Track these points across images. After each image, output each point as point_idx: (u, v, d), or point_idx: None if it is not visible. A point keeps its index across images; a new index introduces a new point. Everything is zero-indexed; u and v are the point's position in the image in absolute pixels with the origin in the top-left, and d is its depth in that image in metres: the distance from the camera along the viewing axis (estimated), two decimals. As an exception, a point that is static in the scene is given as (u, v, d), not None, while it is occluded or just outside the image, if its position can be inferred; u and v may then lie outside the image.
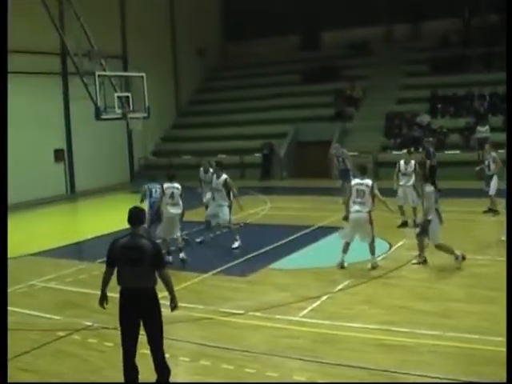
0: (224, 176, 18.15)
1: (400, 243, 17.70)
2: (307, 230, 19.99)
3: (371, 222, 15.32)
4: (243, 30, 45.74)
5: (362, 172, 15.81)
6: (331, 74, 40.11)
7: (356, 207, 15.24)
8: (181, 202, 16.76)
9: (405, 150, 22.24)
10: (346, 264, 15.25)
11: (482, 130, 31.94)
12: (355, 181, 15.60)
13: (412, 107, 35.30)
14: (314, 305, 12.64)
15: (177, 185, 16.90)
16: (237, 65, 45.88)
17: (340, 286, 13.79)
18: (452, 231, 18.17)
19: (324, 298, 13.07)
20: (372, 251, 15.30)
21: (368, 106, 37.19)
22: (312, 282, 14.28)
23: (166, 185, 16.89)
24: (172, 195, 16.69)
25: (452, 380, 9.06)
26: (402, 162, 20.59)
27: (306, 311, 12.25)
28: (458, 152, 31.56)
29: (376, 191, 15.45)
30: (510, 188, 9.68)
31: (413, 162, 20.40)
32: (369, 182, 15.44)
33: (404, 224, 20.05)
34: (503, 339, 10.04)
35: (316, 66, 41.25)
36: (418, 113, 34.72)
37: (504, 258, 15.06)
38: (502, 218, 18.12)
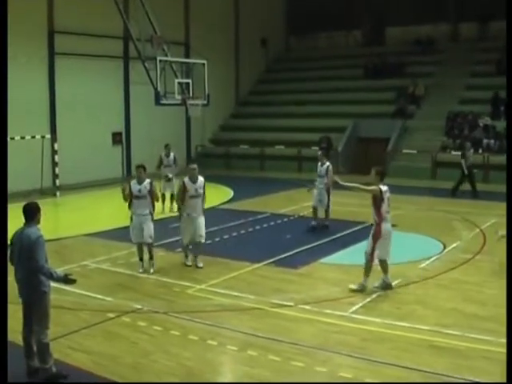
0: None
1: (454, 245, 17.40)
2: (361, 226, 19.75)
3: None
4: (307, 23, 45.56)
5: (383, 175, 13.40)
6: (394, 71, 39.69)
7: (388, 218, 13.32)
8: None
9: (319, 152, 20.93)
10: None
11: (546, 135, 31.32)
12: (385, 187, 13.17)
13: (475, 108, 34.69)
14: (365, 301, 12.50)
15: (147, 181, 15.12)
16: (299, 57, 45.67)
17: (394, 283, 13.59)
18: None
19: (374, 295, 12.90)
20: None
21: (430, 105, 36.70)
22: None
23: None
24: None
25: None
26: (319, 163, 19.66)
27: (356, 307, 12.12)
28: (519, 155, 30.92)
29: None
30: (509, 188, 9.34)
31: (327, 164, 19.38)
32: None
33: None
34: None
35: (379, 61, 40.87)
36: (480, 114, 34.13)
37: None
38: None
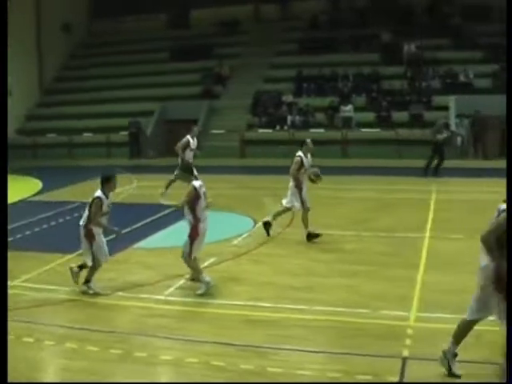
0: None
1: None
2: (172, 209, 19.90)
3: None
4: (111, 6, 44.71)
5: (192, 171, 12.59)
6: (200, 52, 39.98)
7: (205, 214, 12.25)
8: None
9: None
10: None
11: (346, 110, 32.89)
12: (198, 182, 12.10)
13: (279, 86, 35.79)
14: (180, 282, 12.68)
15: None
16: (104, 42, 44.86)
17: (205, 264, 13.70)
18: (319, 208, 18.57)
19: (188, 275, 13.07)
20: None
21: (236, 85, 37.39)
22: (177, 260, 14.11)
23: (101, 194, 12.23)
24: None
25: (320, 352, 9.31)
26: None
27: (171, 289, 12.29)
28: (322, 130, 32.23)
29: None
30: (509, 187, 9.75)
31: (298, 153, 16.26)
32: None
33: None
34: (368, 311, 10.49)
35: (185, 44, 41.02)
36: (284, 91, 35.22)
37: (368, 233, 15.69)
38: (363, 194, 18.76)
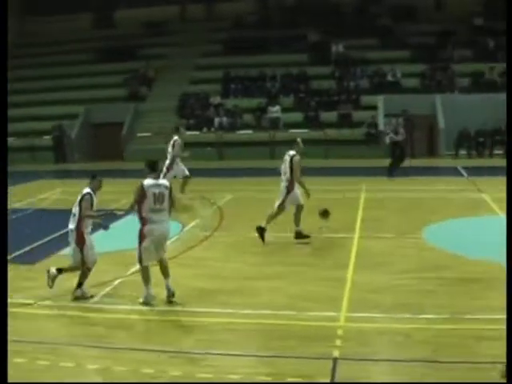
0: None
1: (192, 223, 17.84)
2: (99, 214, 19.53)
3: None
4: (33, 5, 43.90)
5: (153, 168, 11.90)
6: (126, 54, 39.62)
7: (157, 217, 11.52)
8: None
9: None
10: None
11: (273, 110, 32.99)
12: (151, 182, 11.51)
13: (206, 87, 35.71)
14: (107, 289, 12.43)
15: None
16: (27, 42, 44.09)
17: (133, 269, 13.42)
18: (244, 209, 18.49)
19: (117, 282, 12.86)
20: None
21: (162, 87, 37.16)
22: (104, 266, 13.81)
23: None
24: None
25: (250, 355, 9.26)
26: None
27: (99, 297, 12.02)
28: (250, 132, 32.24)
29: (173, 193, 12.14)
30: (509, 188, 9.52)
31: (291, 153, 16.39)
32: (166, 182, 12.11)
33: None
34: (297, 313, 10.40)
35: (110, 45, 40.55)
36: (211, 93, 35.14)
37: (291, 234, 15.62)
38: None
